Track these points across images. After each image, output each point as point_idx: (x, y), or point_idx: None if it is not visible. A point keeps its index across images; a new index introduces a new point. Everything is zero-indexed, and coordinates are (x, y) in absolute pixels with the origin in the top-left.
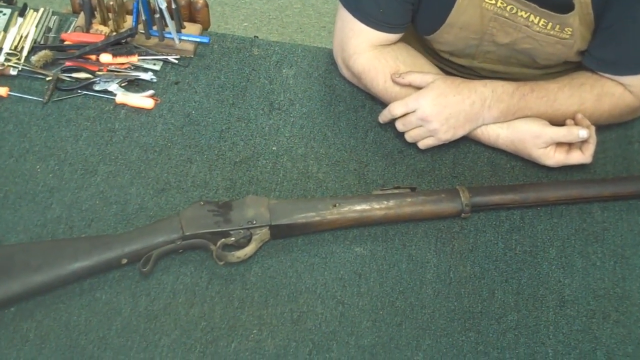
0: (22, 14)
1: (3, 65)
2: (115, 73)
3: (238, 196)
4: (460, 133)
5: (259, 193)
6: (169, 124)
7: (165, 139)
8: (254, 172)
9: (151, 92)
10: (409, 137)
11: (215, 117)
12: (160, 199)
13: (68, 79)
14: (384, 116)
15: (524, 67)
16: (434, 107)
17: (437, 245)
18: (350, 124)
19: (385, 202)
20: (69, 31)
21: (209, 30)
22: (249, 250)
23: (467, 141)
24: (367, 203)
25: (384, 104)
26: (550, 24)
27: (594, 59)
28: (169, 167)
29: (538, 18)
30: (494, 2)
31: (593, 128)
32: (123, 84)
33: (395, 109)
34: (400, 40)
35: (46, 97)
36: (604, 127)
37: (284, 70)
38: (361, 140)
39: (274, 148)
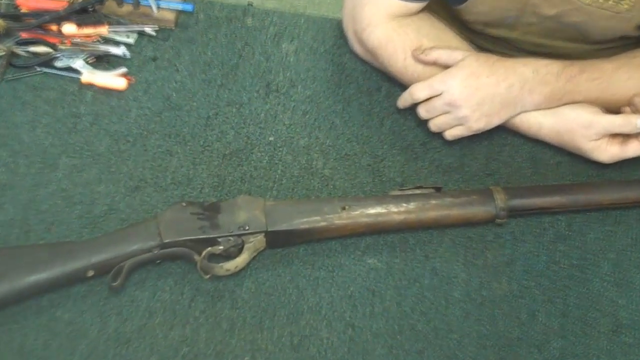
0: None
1: None
2: (81, 47)
3: (228, 196)
4: (495, 122)
5: (253, 192)
6: (145, 108)
7: (140, 126)
8: (246, 167)
9: (124, 70)
10: (433, 125)
11: (200, 100)
12: (134, 199)
13: (24, 53)
14: (404, 100)
15: (573, 42)
16: (463, 90)
17: (466, 257)
18: (363, 110)
19: (405, 205)
20: None
21: None
22: (240, 261)
23: (504, 131)
24: (383, 205)
25: (403, 86)
26: None
27: None
28: (145, 160)
29: None
30: None
31: None
32: (90, 61)
33: (417, 92)
34: (424, 10)
35: None
36: None
37: (283, 45)
38: (376, 130)
39: (270, 138)
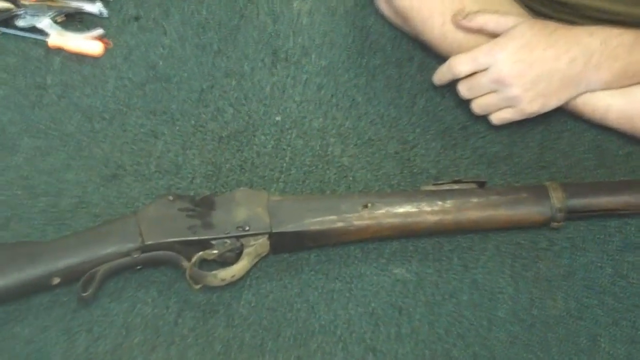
0: None
1: None
2: (48, 2)
3: (224, 188)
4: (552, 103)
5: (255, 185)
6: (125, 79)
7: (119, 101)
8: (248, 154)
9: (100, 31)
10: (477, 107)
11: (192, 70)
12: (110, 190)
13: None
14: (442, 75)
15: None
16: (515, 65)
17: (513, 268)
18: (391, 85)
19: (440, 203)
20: None
21: None
22: (238, 269)
23: (562, 115)
24: (414, 203)
25: (440, 57)
26: None
27: None
28: (124, 142)
29: None
30: None
31: None
32: (59, 19)
33: (457, 66)
34: None
35: None
36: None
37: (294, 4)
38: (406, 110)
39: (277, 118)
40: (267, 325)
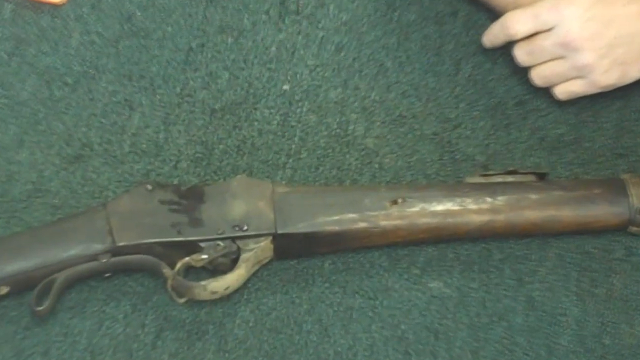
0: None
1: None
2: None
3: (217, 176)
4: (633, 74)
5: (256, 172)
6: (93, 33)
7: (85, 61)
8: (247, 132)
9: None
10: (538, 77)
11: (178, 24)
12: (73, 175)
13: None
14: (494, 35)
15: None
16: (587, 24)
17: (580, 284)
18: (429, 47)
19: (490, 200)
20: None
21: None
22: (233, 279)
23: None
24: (456, 199)
25: (493, 14)
26: None
27: None
28: (91, 115)
29: None
30: None
31: None
32: None
33: (515, 24)
34: None
35: None
36: None
37: None
38: (448, 79)
39: (285, 87)
40: (268, 351)
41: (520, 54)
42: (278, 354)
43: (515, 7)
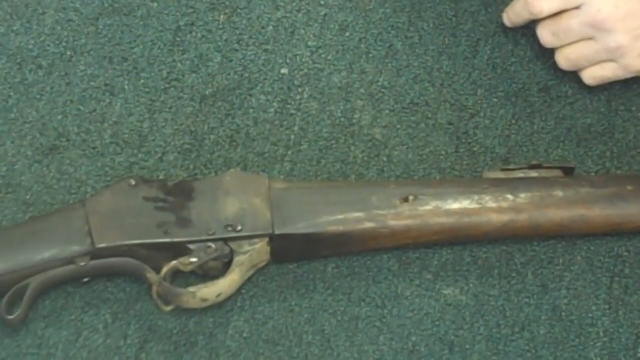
0: None
1: None
2: None
3: (207, 170)
4: None
5: (251, 165)
6: (70, 10)
7: (61, 41)
8: (241, 120)
9: None
10: (565, 59)
11: (164, 0)
12: (47, 169)
13: None
14: (516, 13)
15: None
16: (619, 3)
17: (611, 291)
18: (444, 27)
19: (511, 197)
20: None
21: None
22: (225, 285)
23: None
24: (474, 197)
25: None
26: None
27: None
28: (67, 101)
29: None
30: None
31: None
32: None
33: (539, 1)
34: None
35: None
36: None
37: None
38: (464, 62)
39: (283, 70)
40: None
41: (545, 34)
42: None
43: None
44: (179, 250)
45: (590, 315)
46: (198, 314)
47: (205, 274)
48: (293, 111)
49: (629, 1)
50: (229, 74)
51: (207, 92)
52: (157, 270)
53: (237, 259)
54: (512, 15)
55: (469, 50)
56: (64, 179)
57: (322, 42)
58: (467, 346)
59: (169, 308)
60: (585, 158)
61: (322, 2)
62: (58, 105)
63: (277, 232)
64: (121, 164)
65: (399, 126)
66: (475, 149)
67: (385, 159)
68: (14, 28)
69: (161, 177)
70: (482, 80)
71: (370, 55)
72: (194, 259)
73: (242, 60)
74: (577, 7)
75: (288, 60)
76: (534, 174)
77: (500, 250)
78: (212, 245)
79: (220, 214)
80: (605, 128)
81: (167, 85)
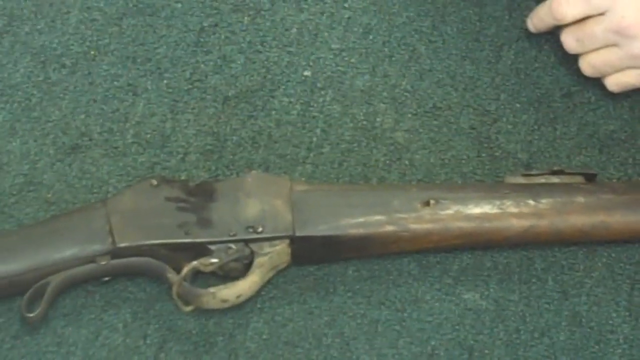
0: None
1: None
2: None
3: (229, 171)
4: None
5: (273, 167)
6: (94, 10)
7: (85, 41)
8: (263, 122)
9: None
10: (588, 66)
11: (189, 1)
12: (70, 168)
13: None
14: (540, 19)
15: None
16: None
17: (632, 298)
18: (467, 31)
19: (533, 202)
20: None
21: None
22: (246, 286)
23: None
24: (495, 202)
25: None
26: None
27: None
28: (90, 100)
29: None
30: None
31: None
32: None
33: (563, 6)
34: None
35: None
36: None
37: None
38: (488, 67)
39: (306, 73)
40: None
41: (569, 41)
42: None
43: None
44: (200, 250)
45: (610, 322)
46: (218, 315)
47: (225, 275)
48: (315, 114)
49: None
50: (252, 76)
51: (230, 94)
52: (178, 270)
53: (258, 260)
54: (537, 21)
55: (492, 55)
56: (86, 178)
57: (346, 45)
58: (487, 351)
59: (189, 308)
60: (608, 165)
61: (346, 5)
62: (81, 105)
63: (298, 234)
64: (143, 164)
65: (421, 130)
66: (497, 154)
67: (407, 162)
68: (38, 27)
69: (183, 177)
70: (505, 85)
71: (394, 58)
72: (214, 260)
73: (265, 62)
74: (601, 14)
75: (311, 63)
76: (555, 179)
77: (521, 256)
78: (233, 246)
79: (241, 215)
80: (628, 135)
81: (190, 86)
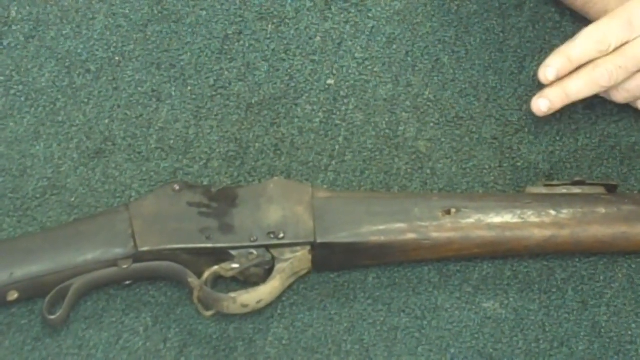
0: None
1: None
2: None
3: (251, 177)
4: None
5: (295, 174)
6: (120, 16)
7: (110, 47)
8: (286, 129)
9: None
10: (619, 94)
11: (214, 8)
12: (93, 172)
13: None
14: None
15: None
16: None
17: None
18: (490, 42)
19: (553, 213)
20: None
21: None
22: (266, 291)
23: None
24: (516, 212)
25: (562, 8)
26: None
27: None
28: (114, 106)
29: None
30: None
31: None
32: None
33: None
34: None
35: None
36: None
37: None
38: (510, 78)
39: (330, 81)
40: None
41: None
42: None
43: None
44: (221, 256)
45: (629, 332)
46: (238, 320)
47: (246, 281)
48: (338, 122)
49: None
50: (275, 84)
51: (253, 101)
52: (199, 275)
53: (279, 266)
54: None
55: (515, 66)
56: (109, 182)
57: (369, 54)
58: (505, 358)
59: (209, 313)
60: (629, 176)
61: (370, 15)
62: (105, 110)
63: (319, 240)
64: (166, 170)
65: (443, 140)
66: (519, 164)
67: (428, 171)
68: (64, 32)
69: (205, 183)
70: (527, 96)
71: (417, 68)
72: (235, 265)
73: (289, 70)
74: (635, 39)
75: (335, 71)
76: (577, 190)
77: (541, 266)
78: (254, 252)
79: (263, 221)
80: None
81: (214, 93)
